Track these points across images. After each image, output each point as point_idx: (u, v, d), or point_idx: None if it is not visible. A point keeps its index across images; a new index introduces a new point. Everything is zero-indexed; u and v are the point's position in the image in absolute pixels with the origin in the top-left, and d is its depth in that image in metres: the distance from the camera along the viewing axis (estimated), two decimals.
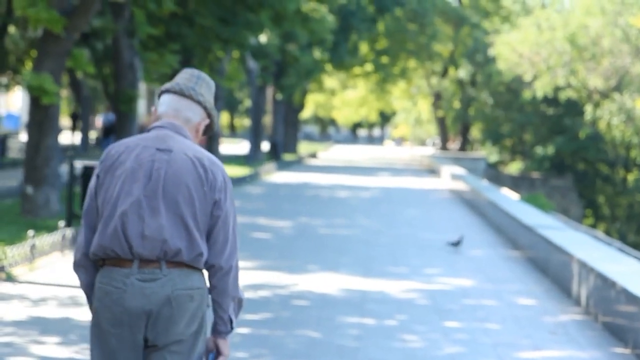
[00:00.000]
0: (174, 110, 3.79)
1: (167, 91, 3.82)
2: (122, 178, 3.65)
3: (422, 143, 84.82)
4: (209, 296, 3.78)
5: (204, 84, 3.83)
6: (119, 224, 3.61)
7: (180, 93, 3.79)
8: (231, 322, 3.76)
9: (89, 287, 3.80)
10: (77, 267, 3.79)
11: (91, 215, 3.73)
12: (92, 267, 3.76)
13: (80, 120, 44.04)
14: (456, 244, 14.25)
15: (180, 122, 3.78)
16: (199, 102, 3.80)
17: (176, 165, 3.65)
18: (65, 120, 60.93)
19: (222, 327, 3.75)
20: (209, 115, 3.85)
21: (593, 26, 41.62)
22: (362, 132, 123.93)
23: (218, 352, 3.77)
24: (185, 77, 3.83)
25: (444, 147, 64.83)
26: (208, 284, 3.77)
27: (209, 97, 3.84)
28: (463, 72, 59.39)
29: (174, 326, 3.62)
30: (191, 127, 3.80)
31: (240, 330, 8.10)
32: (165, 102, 3.80)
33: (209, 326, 3.80)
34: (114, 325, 3.62)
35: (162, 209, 3.61)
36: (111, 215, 3.63)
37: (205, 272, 3.78)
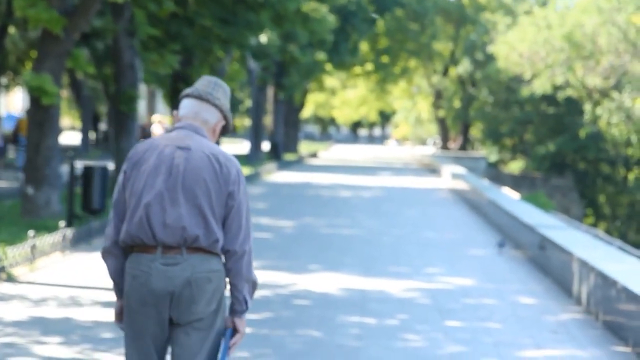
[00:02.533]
0: (194, 113, 4.22)
1: (188, 96, 4.25)
2: (146, 173, 4.08)
3: (423, 142, 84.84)
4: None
5: (220, 89, 4.26)
6: (144, 214, 4.03)
7: (199, 97, 4.22)
8: (246, 302, 4.16)
9: (116, 273, 4.17)
10: (106, 254, 4.17)
11: (120, 206, 4.14)
12: (120, 254, 4.15)
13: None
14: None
15: (199, 123, 4.21)
16: (215, 106, 4.23)
17: (194, 161, 4.07)
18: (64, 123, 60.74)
19: (237, 307, 4.16)
20: (225, 117, 4.29)
21: (589, 24, 41.61)
22: (363, 132, 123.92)
23: (235, 330, 4.17)
24: (204, 83, 4.26)
25: (444, 147, 64.82)
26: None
27: (224, 101, 4.27)
28: (462, 68, 59.38)
29: (195, 305, 4.03)
30: (209, 127, 4.23)
31: None
32: (186, 106, 4.24)
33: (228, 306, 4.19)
34: (141, 305, 4.04)
35: (181, 200, 4.04)
36: (137, 206, 4.06)
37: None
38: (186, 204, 4.04)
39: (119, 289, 4.20)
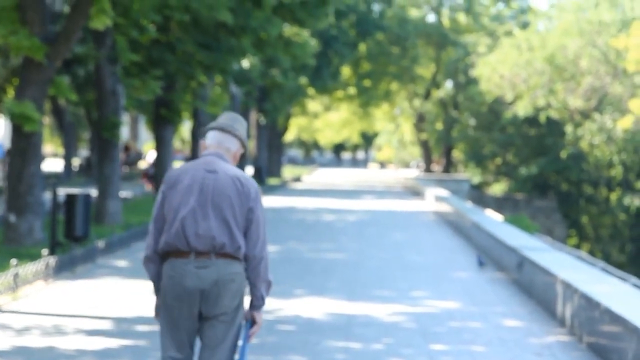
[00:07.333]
0: (218, 142, 5.13)
1: (213, 129, 5.16)
2: (182, 192, 4.96)
3: (406, 165, 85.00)
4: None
5: (239, 123, 5.18)
6: (180, 226, 4.91)
7: (222, 129, 5.14)
8: (263, 298, 5.05)
9: (156, 276, 5.04)
10: (147, 261, 5.04)
11: (159, 221, 5.01)
12: (158, 261, 5.02)
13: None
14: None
15: (222, 151, 5.12)
16: (236, 136, 5.15)
17: (220, 182, 4.97)
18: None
19: (256, 302, 5.06)
20: (243, 146, 5.19)
21: (571, 47, 41.87)
22: (346, 155, 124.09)
23: (253, 322, 5.05)
24: (226, 117, 5.19)
25: (427, 169, 64.96)
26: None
27: (243, 132, 5.18)
28: (443, 91, 59.63)
29: (221, 301, 4.90)
30: (230, 154, 5.14)
31: None
32: (211, 137, 5.15)
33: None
34: (176, 300, 4.90)
35: (210, 214, 4.92)
36: (174, 220, 4.93)
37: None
38: (215, 217, 4.91)
39: (157, 289, 5.03)
